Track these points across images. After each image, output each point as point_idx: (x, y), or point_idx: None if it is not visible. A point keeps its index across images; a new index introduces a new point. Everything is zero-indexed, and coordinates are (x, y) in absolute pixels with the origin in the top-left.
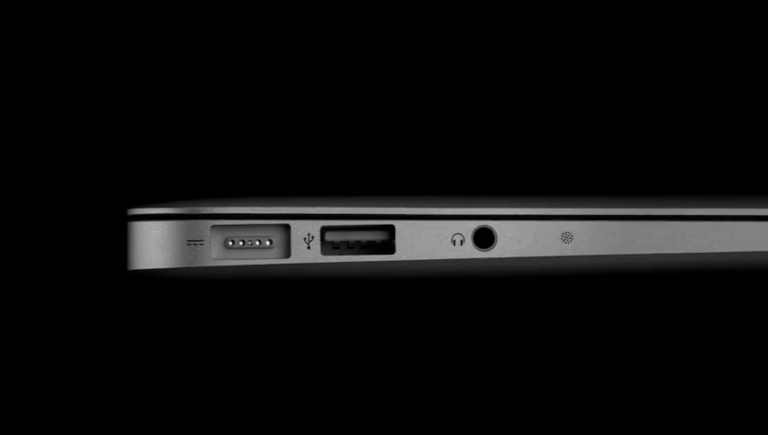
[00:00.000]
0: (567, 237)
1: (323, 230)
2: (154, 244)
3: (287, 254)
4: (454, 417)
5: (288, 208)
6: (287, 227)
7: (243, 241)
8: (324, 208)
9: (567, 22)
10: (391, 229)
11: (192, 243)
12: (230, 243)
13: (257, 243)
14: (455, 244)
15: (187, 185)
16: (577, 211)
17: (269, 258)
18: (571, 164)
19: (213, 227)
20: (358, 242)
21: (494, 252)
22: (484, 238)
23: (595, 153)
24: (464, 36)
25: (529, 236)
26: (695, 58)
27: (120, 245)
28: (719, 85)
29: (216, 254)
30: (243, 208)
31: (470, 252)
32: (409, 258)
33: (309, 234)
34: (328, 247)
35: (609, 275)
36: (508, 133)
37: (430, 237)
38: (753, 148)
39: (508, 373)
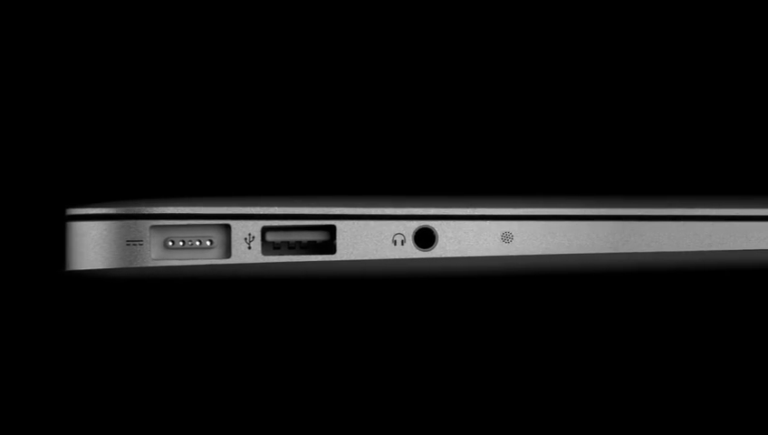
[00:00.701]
0: (507, 237)
1: (264, 230)
2: (93, 244)
3: (228, 254)
4: (390, 420)
5: (228, 208)
6: (227, 228)
7: (183, 241)
8: (265, 208)
9: (515, 21)
10: (332, 229)
11: (131, 243)
12: (170, 243)
13: (197, 243)
14: (395, 244)
15: (126, 185)
16: (517, 211)
17: (209, 259)
18: (510, 164)
19: (152, 227)
20: (299, 242)
21: (435, 252)
22: (424, 238)
23: (533, 153)
24: (405, 36)
25: (469, 236)
26: (651, 56)
27: (59, 245)
28: (663, 81)
29: (155, 254)
30: (183, 208)
31: (411, 252)
32: (350, 258)
33: (249, 234)
34: (269, 248)
35: (549, 275)
36: (447, 133)
37: (371, 237)
38: (693, 147)
39: (450, 374)
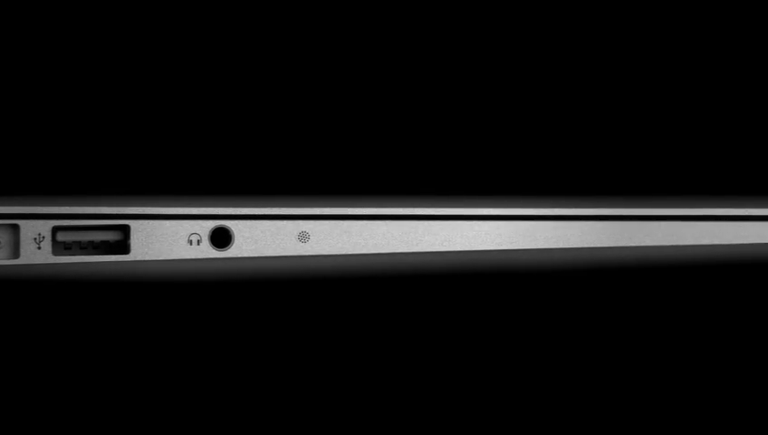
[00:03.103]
0: (304, 237)
1: (55, 230)
2: None
3: (16, 254)
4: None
5: (17, 208)
6: (15, 227)
7: None
8: (56, 208)
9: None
10: (126, 229)
11: None
12: None
13: None
14: (191, 244)
15: None
16: (314, 211)
17: None
18: (306, 163)
19: None
20: (91, 242)
21: (231, 252)
22: (220, 238)
23: (332, 152)
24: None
25: (266, 235)
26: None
27: None
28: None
29: None
30: None
31: (207, 252)
32: (144, 258)
33: (39, 234)
34: (60, 248)
35: (346, 276)
36: (242, 132)
37: (166, 237)
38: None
39: (261, 377)
